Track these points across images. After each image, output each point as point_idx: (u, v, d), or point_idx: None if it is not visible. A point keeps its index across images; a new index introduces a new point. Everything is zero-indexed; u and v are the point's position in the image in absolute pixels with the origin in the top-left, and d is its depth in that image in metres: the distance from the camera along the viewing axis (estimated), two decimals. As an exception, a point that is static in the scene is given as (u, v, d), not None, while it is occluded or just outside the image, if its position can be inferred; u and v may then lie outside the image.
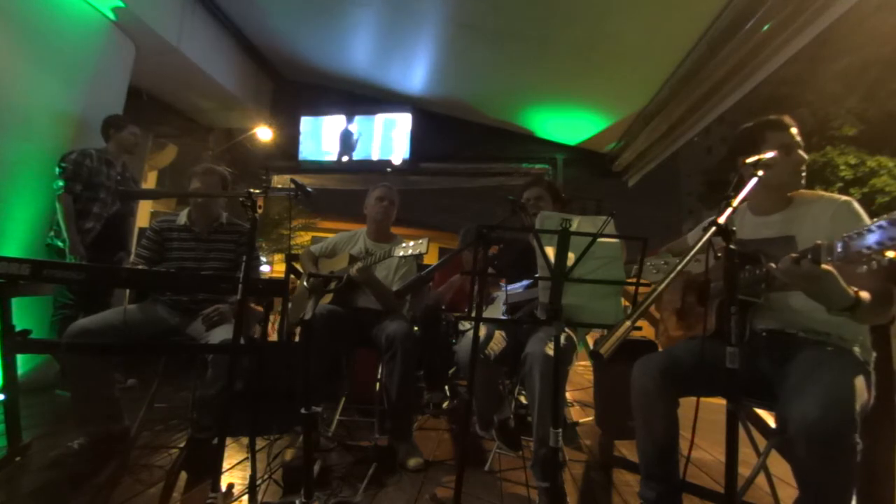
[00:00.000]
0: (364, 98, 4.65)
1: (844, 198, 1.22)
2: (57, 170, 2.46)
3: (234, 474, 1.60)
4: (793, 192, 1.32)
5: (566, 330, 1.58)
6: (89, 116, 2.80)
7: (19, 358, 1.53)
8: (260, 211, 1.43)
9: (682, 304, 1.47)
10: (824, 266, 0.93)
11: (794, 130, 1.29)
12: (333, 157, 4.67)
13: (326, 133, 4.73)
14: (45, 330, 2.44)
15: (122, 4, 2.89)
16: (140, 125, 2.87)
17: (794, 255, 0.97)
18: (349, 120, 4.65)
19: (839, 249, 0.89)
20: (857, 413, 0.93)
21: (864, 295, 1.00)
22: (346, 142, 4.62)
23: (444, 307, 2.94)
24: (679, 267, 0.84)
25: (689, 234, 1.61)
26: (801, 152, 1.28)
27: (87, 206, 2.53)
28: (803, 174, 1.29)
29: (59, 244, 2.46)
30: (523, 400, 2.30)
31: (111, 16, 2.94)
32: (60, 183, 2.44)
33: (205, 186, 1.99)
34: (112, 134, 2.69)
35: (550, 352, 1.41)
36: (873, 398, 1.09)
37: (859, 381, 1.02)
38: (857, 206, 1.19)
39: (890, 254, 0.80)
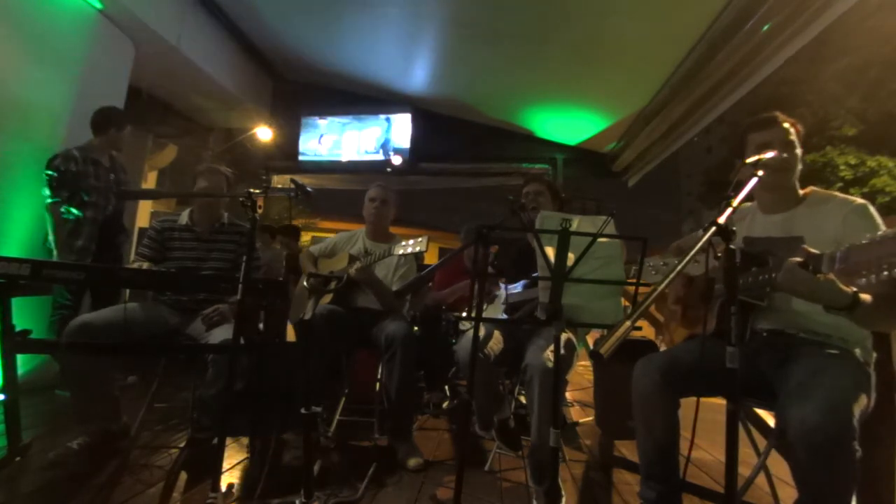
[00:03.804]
0: (364, 98, 4.65)
1: (860, 201, 1.19)
2: (45, 176, 2.36)
3: (234, 474, 1.60)
4: (805, 191, 1.30)
5: (566, 331, 1.58)
6: (89, 117, 2.79)
7: (19, 358, 1.53)
8: (260, 211, 1.43)
9: (686, 306, 1.47)
10: (821, 276, 0.93)
11: (785, 125, 1.27)
12: (332, 157, 4.67)
13: (326, 133, 4.73)
14: (44, 330, 2.44)
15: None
16: (140, 125, 2.83)
17: (793, 263, 0.96)
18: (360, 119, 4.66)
19: (839, 261, 0.89)
20: (856, 419, 0.93)
21: (865, 297, 1.00)
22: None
23: (444, 307, 2.94)
24: (679, 267, 0.84)
25: (699, 233, 1.59)
26: (784, 156, 1.24)
27: (83, 212, 2.44)
28: (788, 170, 1.26)
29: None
30: (523, 400, 2.30)
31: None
32: (47, 192, 2.34)
33: (210, 185, 1.99)
34: (111, 133, 2.58)
35: (550, 364, 1.41)
36: (873, 400, 1.08)
37: (859, 387, 1.01)
38: (872, 210, 1.16)
39: (888, 271, 0.79)
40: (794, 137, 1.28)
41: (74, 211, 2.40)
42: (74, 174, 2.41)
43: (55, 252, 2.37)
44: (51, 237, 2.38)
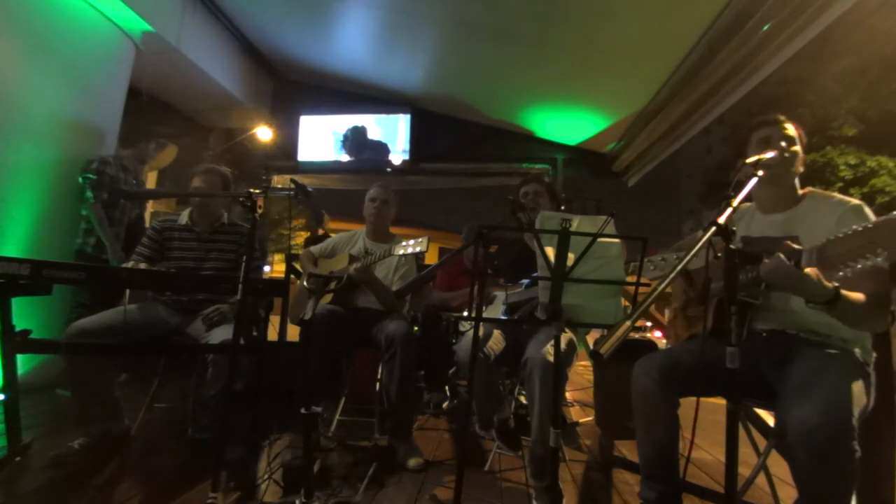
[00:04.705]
0: (364, 98, 4.65)
1: (856, 201, 1.20)
2: (81, 179, 2.51)
3: (234, 474, 1.60)
4: (804, 191, 1.31)
5: (566, 331, 1.58)
6: (89, 117, 2.80)
7: (20, 357, 1.53)
8: (260, 211, 1.43)
9: (686, 304, 1.47)
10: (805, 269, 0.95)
11: (785, 126, 1.29)
12: (332, 157, 4.67)
13: (326, 133, 4.72)
14: (57, 329, 2.43)
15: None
16: (140, 125, 2.91)
17: (776, 258, 0.98)
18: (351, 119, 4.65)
19: (816, 255, 0.92)
20: (855, 420, 0.93)
21: (855, 295, 1.00)
22: (358, 139, 4.62)
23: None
24: (679, 267, 0.84)
25: (699, 234, 1.59)
26: (783, 146, 1.24)
27: (111, 214, 2.58)
28: (786, 165, 1.26)
29: (89, 250, 2.52)
30: (523, 400, 2.30)
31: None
32: (89, 193, 2.48)
33: (206, 186, 2.00)
34: (141, 146, 2.77)
35: (551, 357, 1.41)
36: (873, 400, 1.08)
37: (858, 387, 1.02)
38: (867, 210, 1.17)
39: (860, 263, 0.81)
40: (793, 134, 1.29)
41: (89, 249, 2.52)
42: (111, 177, 2.56)
43: (109, 251, 2.47)
44: (94, 235, 2.51)
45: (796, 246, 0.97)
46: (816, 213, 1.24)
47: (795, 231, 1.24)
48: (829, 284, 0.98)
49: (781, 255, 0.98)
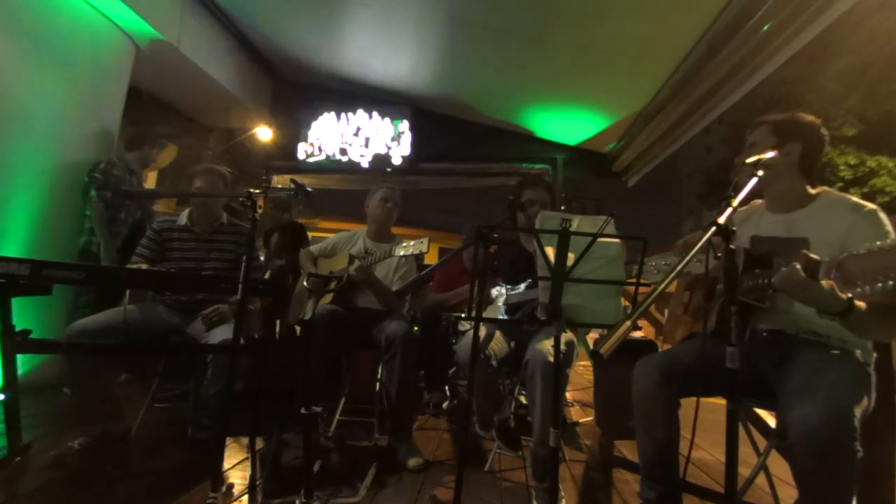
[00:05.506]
0: (364, 98, 4.65)
1: (871, 206, 1.16)
2: (87, 178, 2.54)
3: (234, 474, 1.60)
4: (817, 190, 1.28)
5: (567, 331, 1.57)
6: (89, 117, 2.80)
7: (20, 357, 1.53)
8: (260, 211, 1.43)
9: (688, 304, 1.47)
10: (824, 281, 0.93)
11: (765, 127, 1.29)
12: (332, 157, 4.66)
13: (327, 133, 4.72)
14: (57, 329, 2.42)
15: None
16: (145, 129, 2.94)
17: (792, 268, 0.96)
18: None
19: (835, 270, 0.90)
20: (856, 420, 0.93)
21: (860, 304, 1.00)
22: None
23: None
24: (679, 267, 0.84)
25: (700, 233, 1.57)
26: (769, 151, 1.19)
27: (115, 214, 2.59)
28: (770, 178, 1.20)
29: (93, 249, 2.54)
30: (523, 400, 2.30)
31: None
32: (94, 192, 2.51)
33: (206, 186, 2.00)
34: (146, 150, 2.79)
35: (551, 358, 1.41)
36: (873, 400, 1.08)
37: (860, 387, 1.02)
38: (882, 216, 1.13)
39: (882, 283, 0.80)
40: (771, 135, 1.28)
41: (94, 248, 2.54)
42: (117, 178, 2.58)
43: (102, 249, 2.49)
44: (97, 234, 2.52)
45: (814, 256, 0.95)
46: (827, 215, 1.21)
47: (802, 232, 1.21)
48: (843, 296, 0.96)
49: (797, 266, 0.95)
